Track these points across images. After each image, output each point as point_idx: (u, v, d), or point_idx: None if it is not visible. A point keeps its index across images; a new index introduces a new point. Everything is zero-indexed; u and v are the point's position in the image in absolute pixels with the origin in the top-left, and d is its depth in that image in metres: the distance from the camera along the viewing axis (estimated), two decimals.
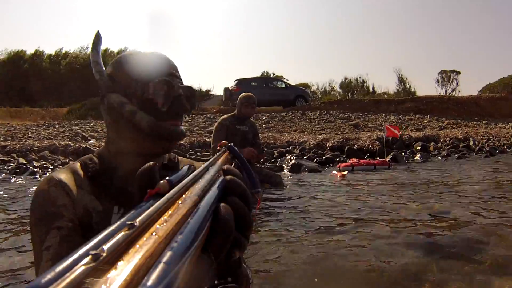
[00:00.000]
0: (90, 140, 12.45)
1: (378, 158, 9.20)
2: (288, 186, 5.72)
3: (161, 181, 0.53)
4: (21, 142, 11.42)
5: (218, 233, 0.54)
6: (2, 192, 5.66)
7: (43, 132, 14.72)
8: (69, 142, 11.25)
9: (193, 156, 9.27)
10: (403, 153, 10.41)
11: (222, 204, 0.57)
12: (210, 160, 0.77)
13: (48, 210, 1.11)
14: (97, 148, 1.41)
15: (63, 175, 1.19)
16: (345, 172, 7.45)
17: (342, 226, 3.48)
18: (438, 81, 30.19)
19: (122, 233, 0.37)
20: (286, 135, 13.17)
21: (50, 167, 8.38)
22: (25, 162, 8.87)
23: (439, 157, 10.31)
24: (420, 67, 67.19)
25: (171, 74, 1.24)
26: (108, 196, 1.21)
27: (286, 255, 2.78)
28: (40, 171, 8.01)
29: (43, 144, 10.77)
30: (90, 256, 0.32)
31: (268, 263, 2.66)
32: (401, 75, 30.74)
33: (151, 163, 0.59)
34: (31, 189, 5.61)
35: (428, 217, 3.77)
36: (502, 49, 68.60)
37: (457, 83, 29.63)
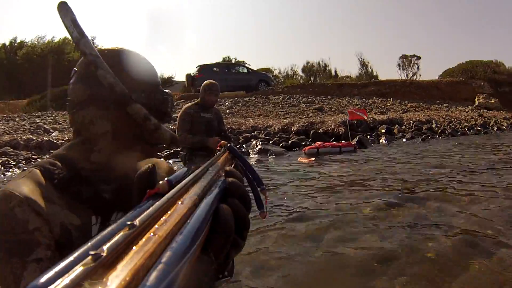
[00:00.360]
0: (53, 132, 11.92)
1: (344, 141, 9.16)
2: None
3: (161, 181, 0.54)
4: None
5: (218, 233, 0.53)
6: None
7: (2, 127, 13.97)
8: (31, 136, 10.74)
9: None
10: (368, 136, 10.45)
11: (222, 205, 0.57)
12: (210, 160, 0.75)
13: (19, 238, 0.87)
14: (55, 150, 1.15)
15: (25, 189, 0.93)
16: (312, 159, 7.44)
17: (316, 213, 3.43)
18: (399, 65, 30.63)
19: (122, 233, 0.36)
20: (251, 120, 13.01)
21: (13, 163, 7.94)
22: None
23: (404, 140, 10.42)
24: (382, 52, 68.39)
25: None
26: (81, 205, 0.99)
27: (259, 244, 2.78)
28: (2, 168, 7.56)
29: (3, 139, 10.23)
30: (90, 257, 0.32)
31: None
32: (363, 59, 31.07)
33: (149, 165, 0.58)
34: None
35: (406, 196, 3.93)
36: (460, 35, 70.83)
37: (417, 68, 30.23)
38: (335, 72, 31.99)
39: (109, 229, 0.39)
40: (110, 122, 1.05)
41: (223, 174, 0.68)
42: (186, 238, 0.40)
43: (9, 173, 7.05)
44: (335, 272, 2.39)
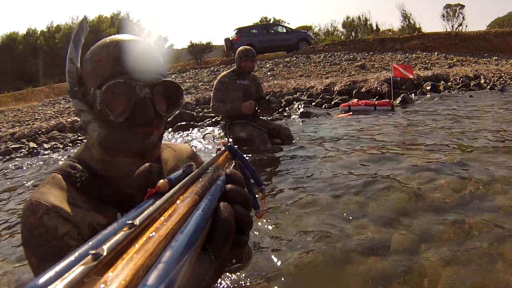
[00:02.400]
0: None
1: (387, 100, 8.99)
2: (298, 138, 5.52)
3: (161, 180, 0.53)
4: (29, 126, 11.26)
5: (218, 232, 0.54)
6: (19, 180, 5.37)
7: (49, 111, 14.53)
8: (76, 118, 11.06)
9: (200, 114, 9.17)
10: (412, 94, 10.19)
11: (222, 203, 0.58)
12: (210, 160, 0.77)
13: (51, 245, 0.92)
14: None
15: (51, 197, 0.99)
16: (350, 113, 7.60)
17: (353, 188, 3.08)
18: (443, 16, 29.18)
19: (122, 233, 0.37)
20: (292, 81, 12.94)
21: (60, 146, 8.22)
22: (36, 146, 8.68)
23: (450, 96, 10.10)
24: (424, 2, 65.19)
25: (140, 69, 1.02)
26: (105, 204, 1.06)
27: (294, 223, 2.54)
28: (51, 152, 7.84)
29: (50, 124, 10.63)
30: (90, 256, 0.32)
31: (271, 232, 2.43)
32: (405, 10, 29.68)
33: (148, 164, 0.58)
34: (45, 175, 5.29)
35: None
36: None
37: (463, 18, 28.72)
38: (376, 26, 30.93)
39: (109, 228, 0.39)
40: (91, 113, 1.05)
41: (224, 174, 0.70)
42: (186, 237, 0.40)
43: (55, 155, 7.31)
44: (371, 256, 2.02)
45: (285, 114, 8.63)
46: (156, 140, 1.09)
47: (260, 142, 4.85)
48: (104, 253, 0.33)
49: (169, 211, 0.45)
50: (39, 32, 38.24)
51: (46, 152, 7.85)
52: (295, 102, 9.54)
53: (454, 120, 5.94)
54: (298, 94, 10.85)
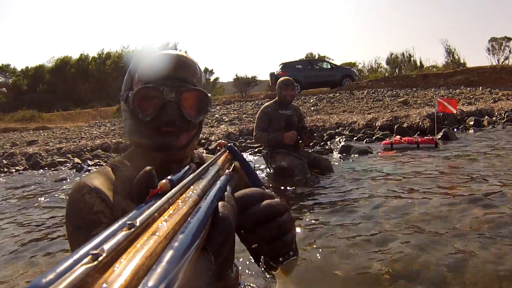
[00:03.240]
0: None
1: (429, 136, 8.92)
2: (337, 170, 5.58)
3: (163, 181, 0.54)
4: (75, 143, 12.16)
5: (218, 232, 0.55)
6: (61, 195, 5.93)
7: (95, 132, 15.52)
8: (120, 139, 11.80)
9: (243, 144, 9.57)
10: (455, 129, 10.13)
11: (221, 203, 0.59)
12: (210, 160, 0.80)
13: (86, 217, 1.08)
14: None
15: (96, 181, 1.15)
16: (393, 151, 7.30)
17: (384, 220, 3.16)
18: (488, 49, 28.74)
19: (122, 233, 0.37)
20: (335, 116, 13.18)
21: (104, 164, 8.78)
22: (80, 162, 9.49)
23: (493, 131, 9.85)
24: (469, 36, 64.26)
25: (171, 77, 1.18)
26: None
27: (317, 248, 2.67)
28: (94, 169, 8.32)
29: (95, 143, 11.48)
30: (89, 256, 0.32)
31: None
32: (449, 46, 29.53)
33: (148, 168, 0.58)
34: None
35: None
36: None
37: (509, 51, 28.15)
38: (420, 62, 30.82)
39: (110, 229, 0.39)
40: (128, 112, 1.23)
41: (224, 174, 0.73)
42: (187, 237, 0.40)
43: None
44: None
45: (327, 147, 8.79)
46: (184, 142, 1.21)
47: (300, 171, 5.01)
48: (104, 254, 0.33)
49: (170, 211, 0.46)
50: (90, 58, 40.76)
51: (89, 168, 8.49)
52: (336, 136, 9.73)
53: (498, 157, 5.69)
54: (340, 128, 11.06)
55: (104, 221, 1.06)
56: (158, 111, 1.14)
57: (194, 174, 0.63)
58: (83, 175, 7.64)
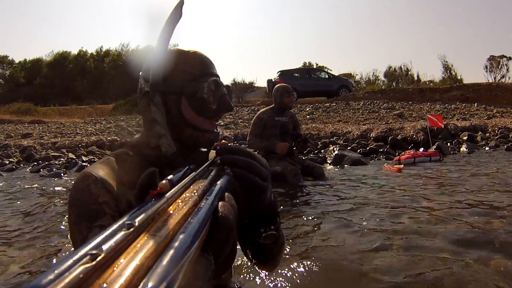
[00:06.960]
0: (136, 134, 12.84)
1: (422, 148, 9.04)
2: (330, 178, 5.55)
3: (163, 181, 0.54)
4: (70, 139, 12.13)
5: (218, 232, 0.55)
6: (58, 188, 5.88)
7: (90, 129, 15.50)
8: (116, 137, 11.83)
9: None
10: (448, 144, 10.18)
11: (221, 203, 0.59)
12: (210, 161, 0.82)
13: (90, 207, 1.07)
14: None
15: (101, 171, 1.15)
16: (401, 166, 6.77)
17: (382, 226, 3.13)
18: (486, 67, 28.99)
19: (121, 233, 0.37)
20: (330, 125, 13.27)
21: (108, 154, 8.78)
22: (74, 157, 9.45)
23: (487, 148, 9.98)
24: (468, 54, 64.75)
25: (216, 73, 1.26)
26: None
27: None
28: (88, 165, 8.26)
29: (90, 140, 11.42)
30: (88, 256, 0.32)
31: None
32: (446, 62, 29.67)
33: (152, 168, 0.57)
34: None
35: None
36: None
37: (507, 69, 28.46)
38: (418, 76, 31.03)
39: (109, 229, 0.39)
40: (157, 110, 1.17)
41: (224, 175, 0.74)
42: (187, 237, 0.40)
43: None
44: None
45: (320, 155, 8.82)
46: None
47: (293, 176, 5.02)
48: (103, 254, 0.33)
49: (170, 211, 0.46)
50: (89, 55, 40.36)
51: (83, 164, 8.42)
52: (330, 145, 9.75)
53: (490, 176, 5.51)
54: (334, 138, 11.11)
55: (108, 212, 1.07)
56: (217, 102, 1.23)
57: (194, 174, 0.64)
58: (74, 170, 7.81)
